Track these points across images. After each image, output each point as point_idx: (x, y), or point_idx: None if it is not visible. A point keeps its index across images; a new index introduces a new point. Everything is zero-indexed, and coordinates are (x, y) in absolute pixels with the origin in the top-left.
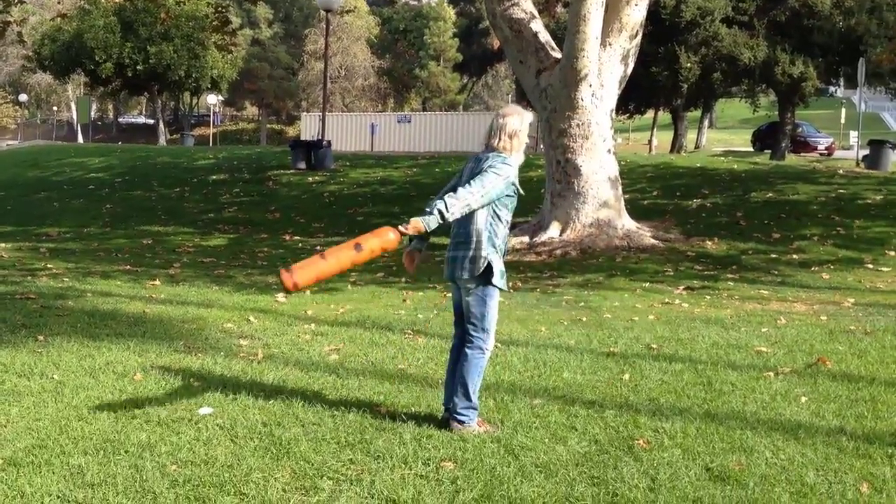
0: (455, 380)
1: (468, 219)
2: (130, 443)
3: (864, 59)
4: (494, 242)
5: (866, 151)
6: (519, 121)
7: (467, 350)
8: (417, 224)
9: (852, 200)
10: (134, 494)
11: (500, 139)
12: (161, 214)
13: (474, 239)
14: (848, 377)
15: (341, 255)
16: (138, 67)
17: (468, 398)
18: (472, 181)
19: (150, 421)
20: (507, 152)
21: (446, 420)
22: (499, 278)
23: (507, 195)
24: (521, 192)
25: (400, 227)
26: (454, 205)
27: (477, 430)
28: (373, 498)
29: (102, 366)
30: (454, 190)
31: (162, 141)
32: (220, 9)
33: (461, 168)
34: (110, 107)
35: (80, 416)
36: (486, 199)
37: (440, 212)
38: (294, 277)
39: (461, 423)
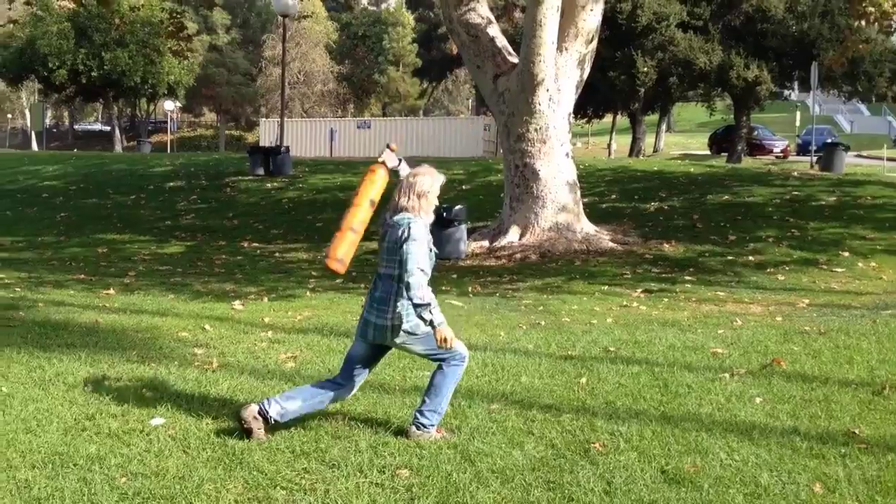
0: (429, 384)
1: (388, 284)
2: (80, 455)
3: (816, 63)
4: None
5: (820, 154)
6: (429, 181)
7: (443, 364)
8: (442, 333)
9: (807, 202)
10: None
11: (409, 198)
12: (117, 222)
13: (393, 306)
14: (802, 378)
15: (359, 216)
16: (93, 74)
17: (439, 403)
18: (406, 264)
19: (101, 433)
20: (415, 212)
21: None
22: (422, 328)
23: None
24: (436, 250)
25: (379, 159)
26: (421, 296)
27: (434, 436)
28: None
29: (52, 377)
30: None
31: (118, 148)
32: (175, 14)
33: (381, 234)
34: (65, 114)
35: (28, 428)
36: (423, 267)
37: (428, 310)
38: (334, 259)
39: (422, 424)
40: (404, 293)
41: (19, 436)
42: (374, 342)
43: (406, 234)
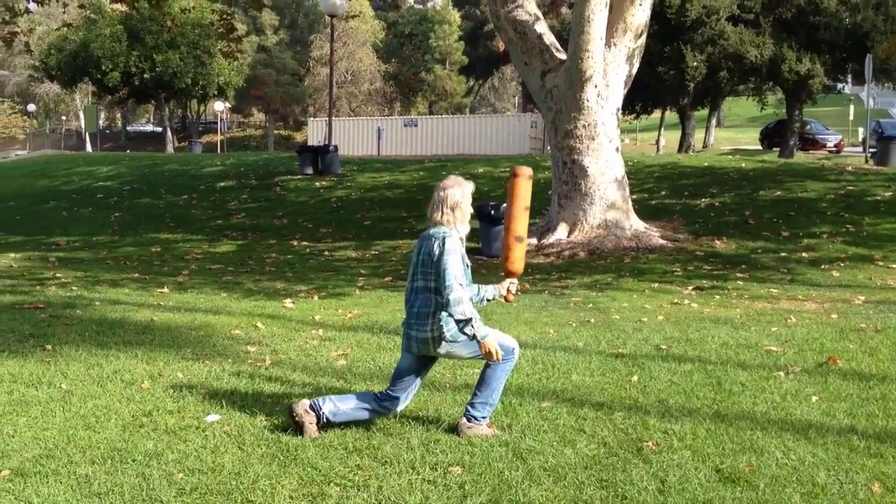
0: (480, 377)
1: (424, 297)
2: (138, 451)
3: (870, 55)
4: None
5: (875, 148)
6: (460, 192)
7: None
8: (487, 346)
9: (862, 197)
10: (141, 503)
11: (442, 213)
12: (169, 222)
13: (432, 318)
14: (859, 375)
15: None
16: (145, 76)
17: (490, 395)
18: (444, 280)
19: (158, 429)
20: (450, 225)
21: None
22: (457, 335)
23: None
24: (468, 262)
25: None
26: (462, 312)
27: (486, 432)
28: (380, 503)
29: (110, 374)
30: (423, 273)
31: (170, 148)
32: (225, 16)
33: (416, 245)
34: (118, 115)
35: (87, 425)
36: (461, 281)
37: (470, 325)
38: (530, 178)
39: (473, 416)
40: (443, 305)
41: (79, 432)
42: (420, 354)
43: (441, 249)
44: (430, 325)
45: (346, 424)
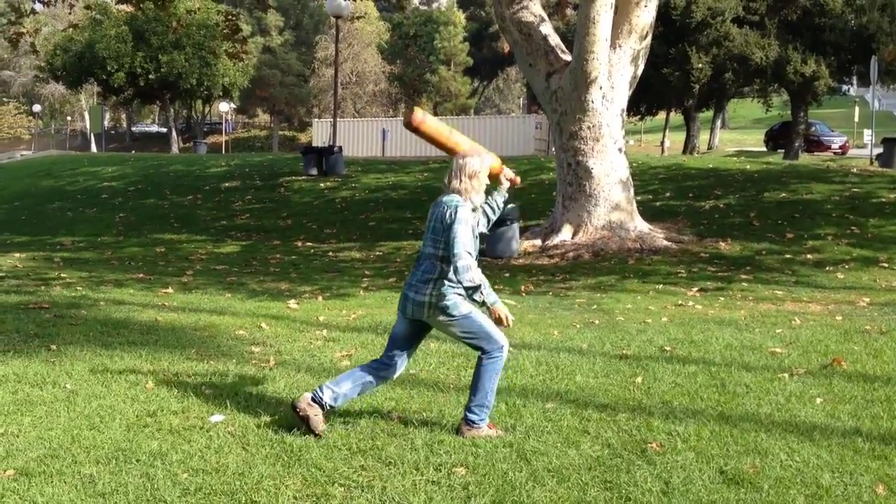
0: (473, 380)
1: (429, 263)
2: (142, 451)
3: (876, 57)
4: (452, 280)
5: (880, 150)
6: (479, 162)
7: (483, 357)
8: (498, 311)
9: (866, 199)
10: (145, 503)
11: (460, 180)
12: (174, 222)
13: (433, 284)
14: (863, 377)
15: (453, 139)
16: (150, 76)
17: (484, 397)
18: (453, 248)
19: (162, 429)
20: (466, 194)
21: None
22: (463, 304)
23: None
24: (481, 231)
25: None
26: (471, 279)
27: (487, 432)
28: None
29: (114, 374)
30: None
31: (174, 149)
32: (230, 17)
33: (430, 211)
34: (123, 116)
35: (91, 425)
36: (469, 250)
37: (479, 292)
38: (424, 118)
39: (471, 420)
40: (447, 274)
41: (83, 432)
42: (413, 318)
43: (452, 217)
44: (429, 289)
45: (349, 424)
